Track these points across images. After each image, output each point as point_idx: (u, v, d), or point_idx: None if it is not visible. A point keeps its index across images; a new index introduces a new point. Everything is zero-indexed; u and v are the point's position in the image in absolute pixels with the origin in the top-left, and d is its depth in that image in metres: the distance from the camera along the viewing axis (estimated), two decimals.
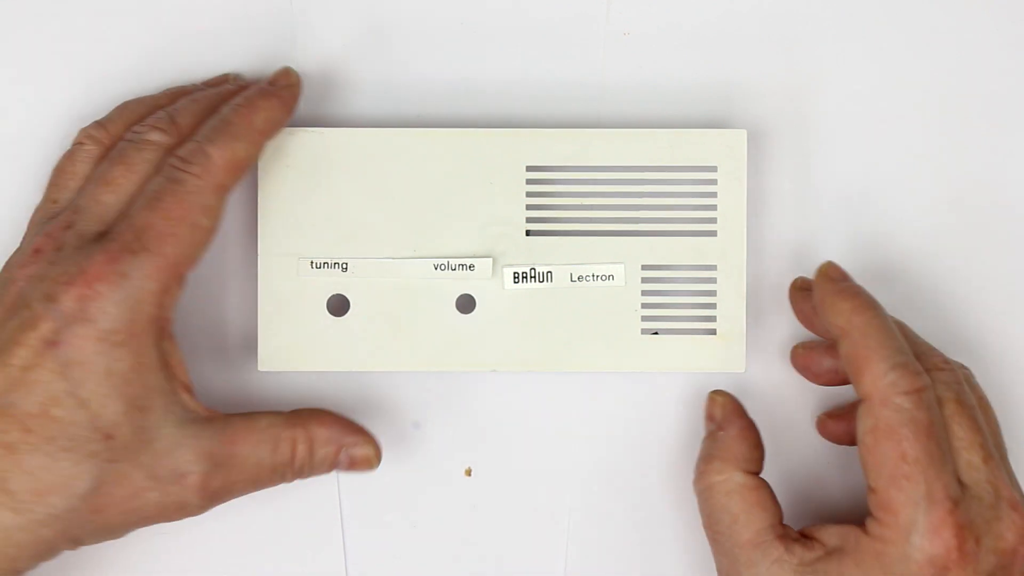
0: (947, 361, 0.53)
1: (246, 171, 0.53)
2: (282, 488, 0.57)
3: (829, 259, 0.54)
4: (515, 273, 0.55)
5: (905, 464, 0.49)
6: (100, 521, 0.50)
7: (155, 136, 0.52)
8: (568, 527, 0.58)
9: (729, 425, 0.55)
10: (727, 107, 0.58)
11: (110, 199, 0.52)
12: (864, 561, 0.50)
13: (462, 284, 0.55)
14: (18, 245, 0.54)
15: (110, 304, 0.49)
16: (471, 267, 0.55)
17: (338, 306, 0.55)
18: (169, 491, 0.50)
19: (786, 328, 0.58)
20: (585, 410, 0.58)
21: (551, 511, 0.58)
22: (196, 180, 0.51)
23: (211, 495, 0.51)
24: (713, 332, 0.55)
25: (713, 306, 0.55)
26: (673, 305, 0.55)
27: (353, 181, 0.55)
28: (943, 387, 0.51)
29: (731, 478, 0.53)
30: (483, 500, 0.58)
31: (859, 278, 0.56)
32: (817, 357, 0.56)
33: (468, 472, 0.58)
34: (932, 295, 0.58)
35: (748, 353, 0.56)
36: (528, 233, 0.55)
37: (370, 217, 0.55)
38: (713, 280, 0.55)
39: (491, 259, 0.55)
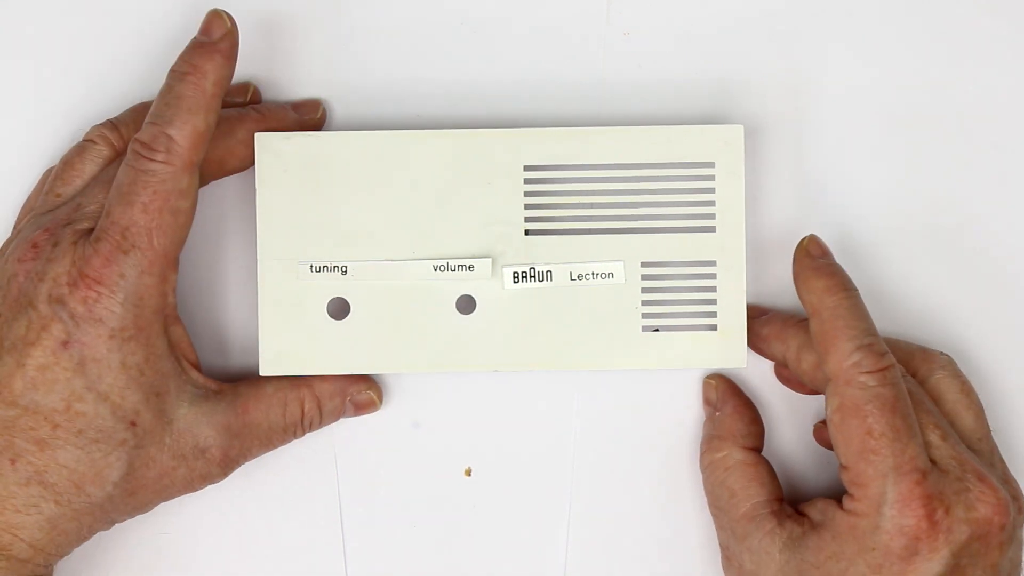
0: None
1: (210, 138, 0.52)
2: (282, 488, 0.58)
3: (812, 234, 0.55)
4: (514, 273, 0.55)
5: (872, 439, 0.50)
6: (134, 502, 0.53)
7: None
8: (568, 527, 0.58)
9: (724, 405, 0.56)
10: (724, 104, 0.58)
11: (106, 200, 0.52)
12: (840, 534, 0.51)
13: (462, 285, 0.55)
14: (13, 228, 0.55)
15: (115, 304, 0.50)
16: (470, 267, 0.55)
17: (338, 309, 0.55)
18: (194, 466, 0.53)
19: None
20: (585, 409, 0.58)
21: (551, 511, 0.58)
22: (165, 167, 0.51)
23: (231, 462, 0.54)
24: (714, 328, 0.55)
25: (713, 302, 0.55)
26: (673, 302, 0.55)
27: (351, 184, 0.55)
28: None
29: (730, 455, 0.55)
30: (483, 500, 0.58)
31: (856, 273, 0.56)
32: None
33: (468, 472, 0.58)
34: (929, 289, 0.58)
35: (749, 348, 0.56)
36: (527, 232, 0.55)
37: (369, 219, 0.55)
38: (713, 276, 0.55)
39: (490, 259, 0.55)
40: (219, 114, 0.52)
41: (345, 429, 0.58)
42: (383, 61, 0.57)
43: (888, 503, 0.50)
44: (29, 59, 0.57)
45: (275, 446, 0.55)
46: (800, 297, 0.53)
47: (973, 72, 0.58)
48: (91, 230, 0.51)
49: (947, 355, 0.55)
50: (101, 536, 0.55)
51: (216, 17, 0.52)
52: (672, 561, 0.58)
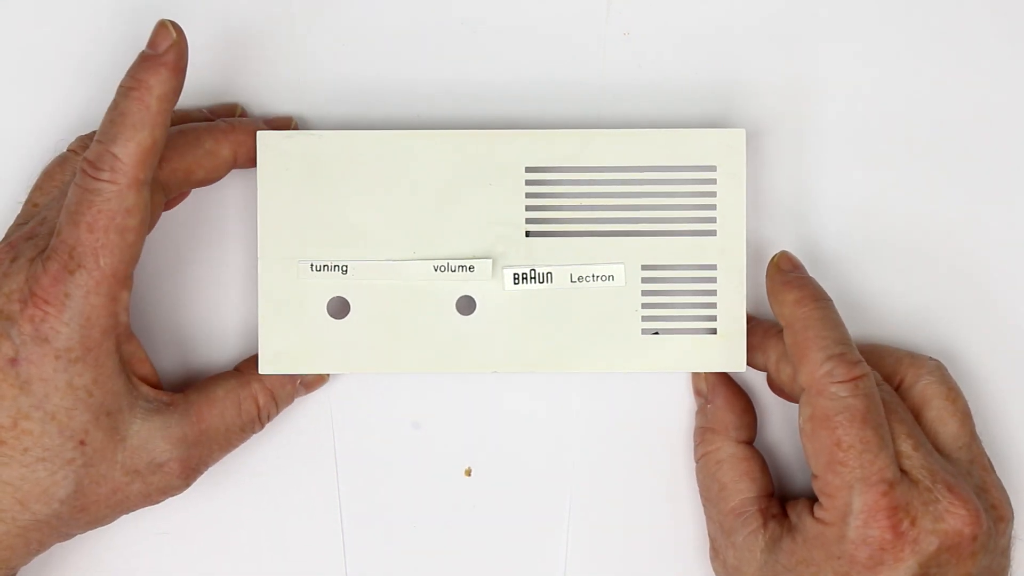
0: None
1: (159, 153, 0.51)
2: (282, 489, 0.58)
3: (783, 249, 0.56)
4: (515, 274, 0.55)
5: (840, 451, 0.50)
6: (87, 518, 0.52)
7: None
8: (568, 527, 0.58)
9: (715, 397, 0.56)
10: (726, 107, 0.58)
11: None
12: (809, 541, 0.51)
13: (462, 285, 0.55)
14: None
15: (60, 324, 0.50)
16: (471, 268, 0.55)
17: (338, 308, 0.55)
18: (150, 480, 0.52)
19: None
20: (585, 410, 0.58)
21: (551, 511, 0.58)
22: (110, 186, 0.50)
23: (192, 472, 0.53)
24: (713, 331, 0.55)
25: (713, 305, 0.55)
26: (673, 305, 0.55)
27: (352, 183, 0.55)
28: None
29: (722, 448, 0.55)
30: (483, 500, 0.58)
31: (857, 276, 0.56)
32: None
33: (468, 472, 0.58)
34: (931, 292, 0.58)
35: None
36: (528, 234, 0.55)
37: (370, 219, 0.55)
38: (713, 279, 0.55)
39: (491, 260, 0.55)
40: (168, 128, 0.51)
41: (345, 429, 0.58)
42: (384, 61, 0.57)
43: (854, 514, 0.50)
44: (13, 65, 0.58)
45: (235, 446, 0.55)
46: (774, 312, 0.54)
47: (976, 75, 0.58)
48: (47, 246, 0.51)
49: (936, 360, 0.55)
50: (100, 535, 0.56)
51: (162, 28, 0.51)
52: (672, 561, 0.58)
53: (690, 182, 0.55)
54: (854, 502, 0.50)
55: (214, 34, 0.57)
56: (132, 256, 0.51)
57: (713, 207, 0.55)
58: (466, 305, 0.55)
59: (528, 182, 0.55)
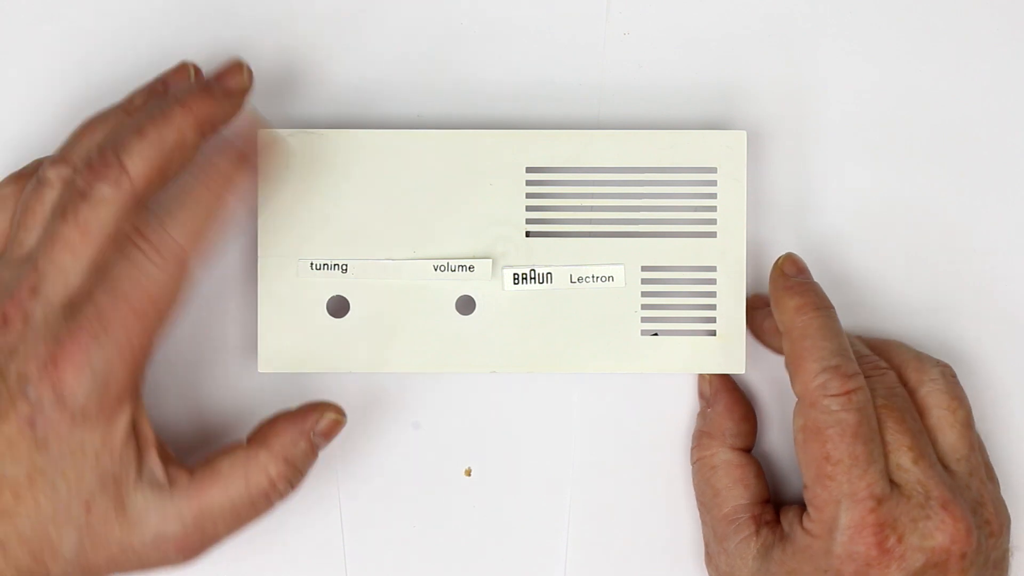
0: (880, 366, 0.53)
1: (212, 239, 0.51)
2: None
3: (789, 252, 0.55)
4: (515, 274, 0.55)
5: (829, 465, 0.50)
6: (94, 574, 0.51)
7: (107, 192, 0.50)
8: (568, 527, 0.58)
9: (716, 401, 0.56)
10: (727, 108, 0.58)
11: (69, 262, 0.50)
12: (798, 552, 0.51)
13: (462, 285, 0.55)
14: None
15: (79, 388, 0.49)
16: (471, 268, 0.55)
17: (338, 307, 0.55)
18: (149, 556, 0.51)
19: None
20: (585, 410, 0.58)
21: (551, 511, 0.58)
22: (159, 271, 0.49)
23: (193, 551, 0.52)
24: (713, 333, 0.55)
25: (713, 307, 0.55)
26: (673, 306, 0.55)
27: (353, 182, 0.55)
28: (873, 392, 0.52)
29: (717, 454, 0.55)
30: (483, 500, 0.58)
31: (858, 278, 0.56)
32: None
33: (468, 472, 0.58)
34: (932, 293, 0.58)
35: (748, 354, 0.56)
36: (528, 234, 0.55)
37: (370, 218, 0.55)
38: (713, 281, 0.55)
39: (491, 260, 0.55)
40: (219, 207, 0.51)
41: (345, 429, 0.58)
42: (384, 61, 0.57)
43: (840, 529, 0.50)
44: (13, 65, 0.58)
45: (248, 521, 0.52)
46: (775, 318, 0.53)
47: (977, 76, 0.58)
48: (64, 304, 0.50)
49: (943, 366, 0.54)
50: None
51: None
52: (672, 561, 0.58)
53: (690, 183, 0.55)
54: (841, 517, 0.50)
55: (214, 34, 0.57)
56: (161, 331, 0.50)
57: (714, 209, 0.55)
58: (466, 305, 0.55)
59: (528, 182, 0.55)
